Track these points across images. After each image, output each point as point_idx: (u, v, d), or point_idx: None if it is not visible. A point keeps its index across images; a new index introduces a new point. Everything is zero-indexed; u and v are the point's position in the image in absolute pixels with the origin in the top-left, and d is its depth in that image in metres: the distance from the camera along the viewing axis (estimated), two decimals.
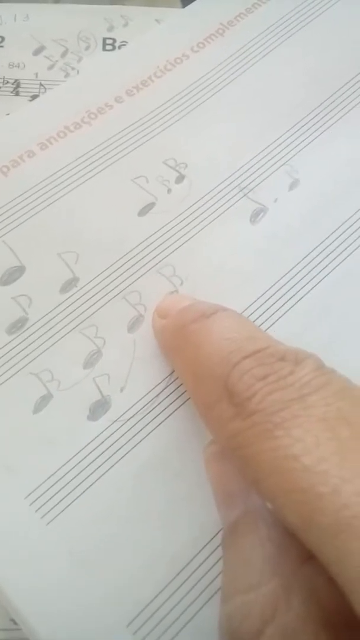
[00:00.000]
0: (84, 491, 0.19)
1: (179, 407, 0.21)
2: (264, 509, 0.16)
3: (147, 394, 0.21)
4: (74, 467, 0.19)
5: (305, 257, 0.24)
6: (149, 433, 0.20)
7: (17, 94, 0.29)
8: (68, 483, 0.19)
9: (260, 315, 0.23)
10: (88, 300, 0.22)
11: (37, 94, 0.29)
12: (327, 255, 0.24)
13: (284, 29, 0.30)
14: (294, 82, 0.28)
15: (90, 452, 0.20)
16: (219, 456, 0.17)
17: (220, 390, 0.16)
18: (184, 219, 0.24)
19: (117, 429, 0.20)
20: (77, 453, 0.20)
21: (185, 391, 0.21)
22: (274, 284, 0.23)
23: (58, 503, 0.19)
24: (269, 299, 0.23)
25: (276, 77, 0.28)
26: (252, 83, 0.28)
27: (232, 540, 0.16)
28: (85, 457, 0.20)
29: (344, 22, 0.30)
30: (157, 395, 0.21)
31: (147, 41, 0.29)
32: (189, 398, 0.21)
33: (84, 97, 0.27)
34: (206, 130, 0.27)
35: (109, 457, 0.20)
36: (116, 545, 0.18)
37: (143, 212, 0.24)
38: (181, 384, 0.21)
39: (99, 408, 0.21)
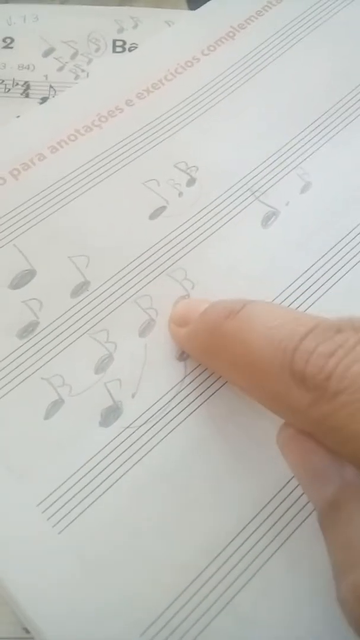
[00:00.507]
0: (96, 499, 0.19)
1: (192, 413, 0.20)
2: None
3: (159, 399, 0.21)
4: (85, 475, 0.19)
5: (317, 261, 0.24)
6: (161, 440, 0.20)
7: (27, 95, 0.28)
8: (80, 491, 0.19)
9: None
10: (99, 304, 0.22)
11: (47, 96, 0.28)
12: (340, 259, 0.24)
13: (295, 32, 0.30)
14: (305, 85, 0.28)
15: (102, 459, 0.19)
16: (298, 437, 0.16)
17: (287, 379, 0.15)
18: (195, 222, 0.24)
19: (129, 436, 0.20)
20: (89, 460, 0.19)
21: (198, 396, 0.21)
22: (286, 288, 0.23)
23: (70, 511, 0.19)
24: (281, 303, 0.23)
25: (287, 80, 0.28)
26: (262, 86, 0.28)
27: (336, 515, 0.15)
28: (97, 464, 0.19)
29: (356, 24, 0.30)
30: (169, 401, 0.21)
31: (157, 44, 0.29)
32: (202, 404, 0.21)
33: (95, 100, 0.27)
34: (217, 133, 0.27)
35: (121, 464, 0.19)
36: (128, 554, 0.18)
37: (154, 215, 0.24)
38: (195, 389, 0.21)
39: (110, 414, 0.20)
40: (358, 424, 0.14)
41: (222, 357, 0.18)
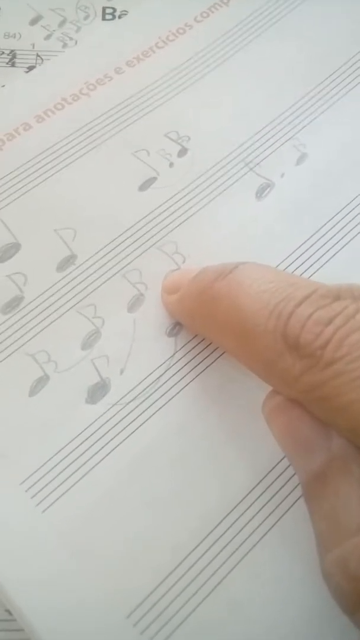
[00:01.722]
0: (82, 477, 0.18)
1: (181, 390, 0.20)
2: (352, 450, 0.15)
3: (148, 376, 0.20)
4: (71, 452, 0.19)
5: (313, 235, 0.23)
6: (150, 417, 0.19)
7: (13, 64, 0.27)
8: (65, 469, 0.18)
9: None
10: (86, 278, 0.21)
11: (33, 65, 0.27)
12: (338, 232, 0.23)
13: None
14: (301, 53, 0.27)
15: (89, 437, 0.19)
16: (285, 406, 0.16)
17: (280, 344, 0.15)
18: (187, 194, 0.23)
19: (116, 413, 0.19)
20: (75, 438, 0.19)
21: (188, 373, 0.20)
22: (281, 262, 0.22)
23: (54, 490, 0.18)
24: None
25: (283, 48, 0.27)
26: (257, 54, 0.27)
27: (323, 487, 0.15)
28: (83, 441, 0.19)
29: None
30: (158, 378, 0.20)
31: (149, 10, 0.28)
32: (192, 380, 0.20)
33: (83, 68, 0.26)
34: (210, 102, 0.26)
35: (108, 442, 0.19)
36: (114, 534, 0.18)
37: (144, 186, 0.23)
38: (185, 365, 0.20)
39: (97, 391, 0.20)
40: (351, 394, 0.14)
41: (212, 320, 0.18)
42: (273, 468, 0.19)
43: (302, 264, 0.22)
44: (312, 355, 0.14)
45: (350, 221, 0.23)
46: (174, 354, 0.20)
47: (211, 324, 0.18)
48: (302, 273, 0.22)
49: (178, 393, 0.20)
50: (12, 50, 0.28)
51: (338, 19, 0.28)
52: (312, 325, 0.14)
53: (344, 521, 0.14)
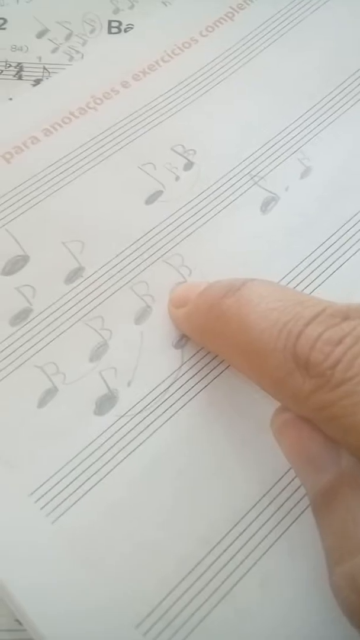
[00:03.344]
0: (90, 488, 0.18)
1: (188, 401, 0.20)
2: None
3: (155, 388, 0.20)
4: (80, 464, 0.19)
5: (318, 248, 0.23)
6: (157, 428, 0.20)
7: (20, 77, 0.28)
8: (74, 480, 0.19)
9: None
10: (94, 290, 0.22)
11: (40, 78, 0.28)
12: (342, 246, 0.23)
13: (296, 13, 0.29)
14: (305, 67, 0.27)
15: (97, 448, 0.19)
16: (295, 423, 0.16)
17: (290, 363, 0.15)
18: (193, 207, 0.24)
19: (124, 424, 0.20)
20: (84, 449, 0.19)
21: (195, 384, 0.20)
22: (285, 275, 0.22)
23: (64, 501, 0.18)
24: None
25: (288, 62, 0.28)
26: (262, 68, 0.27)
27: (332, 503, 0.15)
28: (91, 453, 0.19)
29: (358, 5, 0.29)
30: (165, 390, 0.20)
31: (154, 24, 0.29)
32: (199, 392, 0.20)
33: (89, 81, 0.26)
34: (215, 116, 0.26)
35: (116, 454, 0.19)
36: (124, 544, 0.18)
37: (150, 200, 0.24)
38: (192, 377, 0.20)
39: (105, 402, 0.20)
40: None
41: (221, 336, 0.18)
42: (280, 479, 0.19)
43: (307, 277, 0.23)
44: (322, 375, 0.14)
45: (354, 234, 0.24)
46: (181, 365, 0.21)
47: (220, 341, 0.18)
48: (307, 286, 0.22)
49: (185, 405, 0.20)
50: (19, 63, 0.28)
51: (344, 31, 0.28)
52: (322, 345, 0.15)
53: (354, 536, 0.14)
